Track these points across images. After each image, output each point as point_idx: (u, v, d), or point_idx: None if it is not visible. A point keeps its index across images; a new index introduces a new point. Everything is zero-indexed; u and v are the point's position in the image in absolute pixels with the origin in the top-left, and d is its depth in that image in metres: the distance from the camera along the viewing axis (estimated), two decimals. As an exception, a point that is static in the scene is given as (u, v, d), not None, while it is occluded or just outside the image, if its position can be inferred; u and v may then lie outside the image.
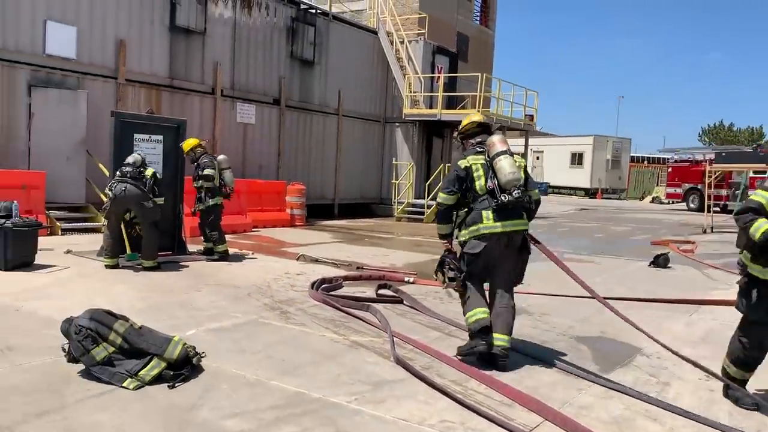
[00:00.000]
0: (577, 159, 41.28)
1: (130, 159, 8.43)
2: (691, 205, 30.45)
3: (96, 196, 12.26)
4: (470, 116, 5.39)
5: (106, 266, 8.30)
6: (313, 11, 17.99)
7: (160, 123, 9.25)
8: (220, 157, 9.95)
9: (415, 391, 4.31)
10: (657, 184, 43.25)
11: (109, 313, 4.42)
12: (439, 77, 20.52)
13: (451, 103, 20.26)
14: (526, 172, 5.08)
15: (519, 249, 4.99)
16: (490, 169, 4.91)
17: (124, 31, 13.13)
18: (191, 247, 10.01)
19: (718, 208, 29.54)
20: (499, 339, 4.84)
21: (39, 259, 8.18)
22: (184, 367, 4.34)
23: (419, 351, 5.20)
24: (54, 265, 8.22)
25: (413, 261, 10.41)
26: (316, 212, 17.53)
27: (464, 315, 4.98)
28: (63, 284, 7.21)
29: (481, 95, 18.45)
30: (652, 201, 38.94)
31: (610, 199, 40.32)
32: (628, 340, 5.77)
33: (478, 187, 4.92)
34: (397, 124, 20.40)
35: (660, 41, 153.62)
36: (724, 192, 28.96)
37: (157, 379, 4.20)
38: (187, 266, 8.89)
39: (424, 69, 20.17)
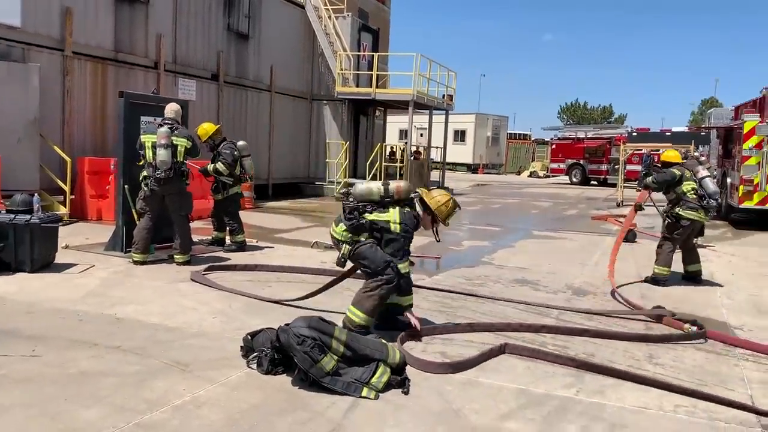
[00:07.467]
0: (460, 136, 42.82)
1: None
2: (574, 179, 32.97)
3: (50, 182, 11.05)
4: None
5: (135, 262, 7.61)
6: (247, -18, 17.14)
7: (164, 104, 8.53)
8: (240, 143, 9.37)
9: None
10: (532, 160, 46.16)
11: (322, 319, 4.18)
12: (365, 55, 20.45)
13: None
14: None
15: None
16: None
17: (69, -3, 11.78)
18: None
19: (596, 182, 32.51)
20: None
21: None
22: (403, 372, 4.24)
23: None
24: (74, 264, 7.40)
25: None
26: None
27: None
28: (119, 286, 6.54)
29: (416, 74, 18.66)
30: (530, 175, 41.55)
31: (490, 173, 42.42)
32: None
33: None
34: (324, 102, 20.10)
35: (507, 23, 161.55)
36: (604, 167, 31.73)
37: (386, 387, 4.07)
38: (214, 259, 8.39)
39: (351, 46, 19.95)
